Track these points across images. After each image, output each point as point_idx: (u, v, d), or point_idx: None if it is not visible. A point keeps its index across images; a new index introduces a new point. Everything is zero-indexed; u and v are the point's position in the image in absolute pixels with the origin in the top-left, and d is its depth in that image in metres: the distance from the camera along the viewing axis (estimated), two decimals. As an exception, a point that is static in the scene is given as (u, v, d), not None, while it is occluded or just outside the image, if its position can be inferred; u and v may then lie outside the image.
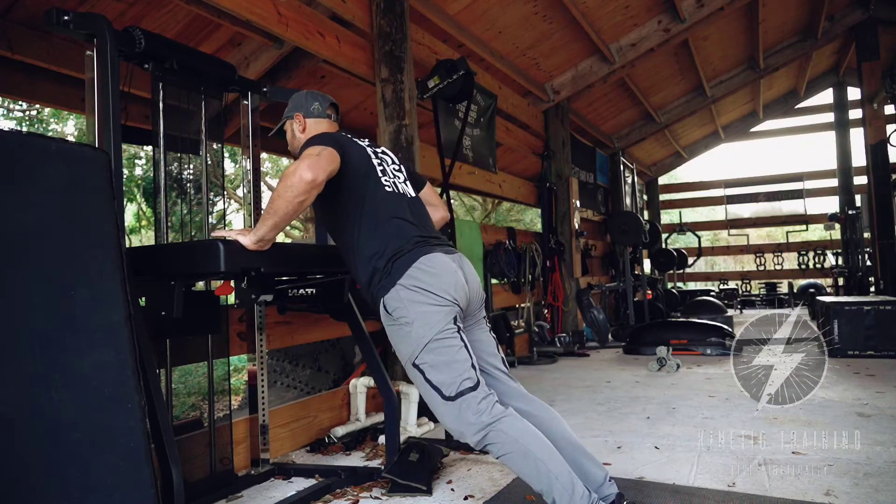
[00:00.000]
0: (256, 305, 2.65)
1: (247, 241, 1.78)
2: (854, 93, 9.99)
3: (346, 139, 1.98)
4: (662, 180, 12.97)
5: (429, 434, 3.12)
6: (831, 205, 11.62)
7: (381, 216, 1.89)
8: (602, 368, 5.11)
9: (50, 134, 8.38)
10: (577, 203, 7.17)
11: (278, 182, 1.78)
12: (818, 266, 11.40)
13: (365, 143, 2.07)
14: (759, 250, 12.24)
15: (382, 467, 2.50)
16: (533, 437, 1.73)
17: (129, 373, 1.51)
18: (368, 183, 1.92)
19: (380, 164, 2.01)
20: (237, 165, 10.03)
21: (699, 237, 11.54)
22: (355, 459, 2.79)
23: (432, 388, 1.76)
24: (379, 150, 2.10)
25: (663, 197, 12.74)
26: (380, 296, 1.84)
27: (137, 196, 9.25)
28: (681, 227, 11.50)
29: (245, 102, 2.67)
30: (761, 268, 12.04)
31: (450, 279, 1.82)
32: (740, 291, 11.78)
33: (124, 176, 3.42)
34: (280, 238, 1.89)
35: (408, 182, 2.09)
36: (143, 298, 1.92)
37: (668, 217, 12.97)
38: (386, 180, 1.97)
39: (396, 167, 2.09)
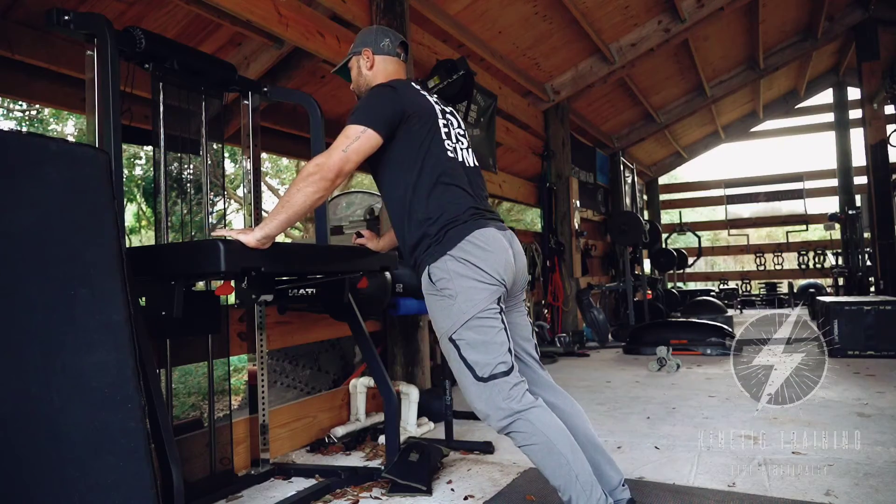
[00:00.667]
0: (256, 305, 2.65)
1: (251, 237, 1.72)
2: (854, 93, 9.99)
3: (412, 92, 1.88)
4: (662, 180, 12.96)
5: (429, 434, 3.12)
6: (831, 205, 11.62)
7: (439, 180, 1.79)
8: (602, 368, 5.11)
9: (50, 134, 8.38)
10: (577, 203, 7.17)
11: (299, 172, 1.73)
12: (818, 266, 11.40)
13: (433, 98, 1.96)
14: (759, 250, 12.24)
15: (382, 467, 2.50)
16: (560, 433, 1.69)
17: (129, 373, 1.51)
18: (431, 143, 1.82)
19: (445, 126, 1.89)
20: (237, 165, 10.04)
21: (699, 237, 11.54)
22: (355, 459, 2.79)
23: (466, 365, 1.71)
24: (448, 109, 1.98)
25: (663, 197, 12.74)
26: (426, 262, 1.78)
27: (137, 196, 9.25)
28: (681, 227, 11.50)
29: (245, 102, 2.66)
30: (761, 268, 12.04)
31: (501, 257, 1.76)
32: (740, 291, 11.78)
33: (124, 176, 3.42)
34: (280, 238, 1.88)
35: (470, 150, 1.98)
36: (143, 298, 1.92)
37: (668, 217, 12.97)
38: (449, 144, 1.87)
39: (462, 132, 1.98)
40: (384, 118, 1.76)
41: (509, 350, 1.73)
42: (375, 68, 2.00)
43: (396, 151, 1.82)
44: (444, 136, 1.87)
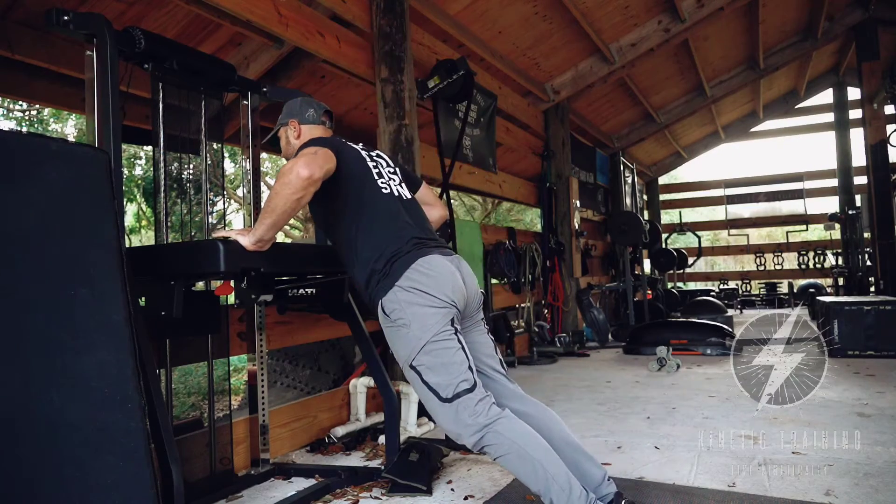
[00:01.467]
0: (256, 305, 2.65)
1: (246, 241, 1.78)
2: (854, 93, 9.99)
3: (340, 142, 2.00)
4: (662, 180, 12.96)
5: (429, 434, 3.12)
6: (831, 205, 11.62)
7: (377, 218, 1.90)
8: (602, 368, 5.11)
9: (50, 134, 8.38)
10: (577, 203, 7.17)
11: (275, 180, 1.78)
12: (818, 266, 11.40)
13: (359, 146, 2.08)
14: (759, 250, 12.24)
15: (382, 467, 2.50)
16: (529, 438, 1.73)
17: (129, 373, 1.51)
18: (365, 185, 1.94)
19: (375, 167, 2.02)
20: (237, 165, 10.04)
21: (699, 237, 11.54)
22: (355, 459, 2.79)
23: (429, 389, 1.77)
24: (374, 153, 2.11)
25: (663, 197, 12.74)
26: (378, 297, 1.85)
27: (137, 196, 9.26)
28: (681, 227, 11.49)
29: (245, 102, 2.67)
30: (761, 268, 12.04)
31: (447, 281, 1.83)
32: (740, 291, 11.78)
33: (124, 176, 3.42)
34: (280, 238, 1.88)
35: (403, 184, 2.10)
36: (143, 298, 1.92)
37: (668, 217, 12.97)
38: (382, 182, 1.99)
39: (391, 169, 2.11)
40: (327, 146, 1.85)
41: (470, 368, 1.78)
42: (302, 137, 2.12)
43: (336, 200, 1.91)
44: (375, 176, 1.99)
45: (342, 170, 1.88)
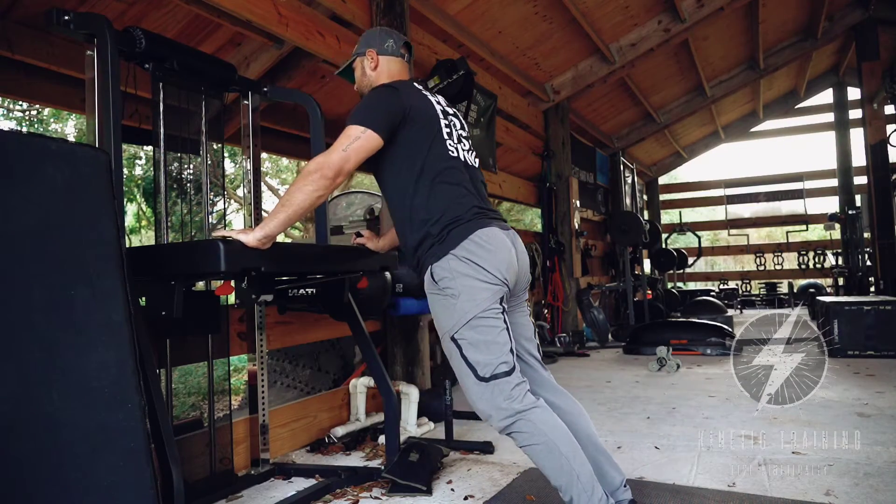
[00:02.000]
0: (256, 305, 2.65)
1: (250, 237, 1.71)
2: (854, 93, 10.00)
3: (414, 92, 1.88)
4: (662, 180, 12.97)
5: (429, 434, 3.12)
6: (831, 205, 11.62)
7: (441, 180, 1.80)
8: (602, 368, 5.11)
9: (50, 134, 8.38)
10: (577, 203, 7.17)
11: (301, 172, 1.73)
12: (818, 266, 11.40)
13: (436, 99, 1.96)
14: (759, 250, 12.24)
15: (382, 467, 2.50)
16: (560, 433, 1.69)
17: (129, 373, 1.51)
18: (433, 142, 1.83)
19: (447, 126, 1.90)
20: (237, 165, 10.04)
21: (699, 237, 11.54)
22: (355, 459, 2.79)
23: (467, 365, 1.70)
24: (451, 111, 1.99)
25: (663, 197, 12.74)
26: (428, 262, 1.78)
27: (137, 196, 9.25)
28: (681, 227, 11.49)
29: (245, 102, 2.66)
30: (761, 268, 12.04)
31: (503, 257, 1.76)
32: (740, 291, 11.78)
33: (124, 176, 3.42)
34: (280, 238, 1.88)
35: (472, 151, 1.98)
36: (143, 298, 1.92)
37: (668, 217, 12.97)
38: (451, 144, 1.87)
39: (465, 133, 1.98)
40: (384, 119, 1.76)
41: (511, 350, 1.73)
42: (379, 69, 2.00)
43: (398, 152, 1.82)
44: (445, 137, 1.87)
45: (409, 121, 1.78)
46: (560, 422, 1.72)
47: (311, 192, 1.67)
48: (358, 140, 1.71)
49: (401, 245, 1.92)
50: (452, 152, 1.87)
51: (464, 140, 1.96)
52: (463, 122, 2.03)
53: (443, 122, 1.90)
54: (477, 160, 2.00)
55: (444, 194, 1.79)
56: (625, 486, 1.83)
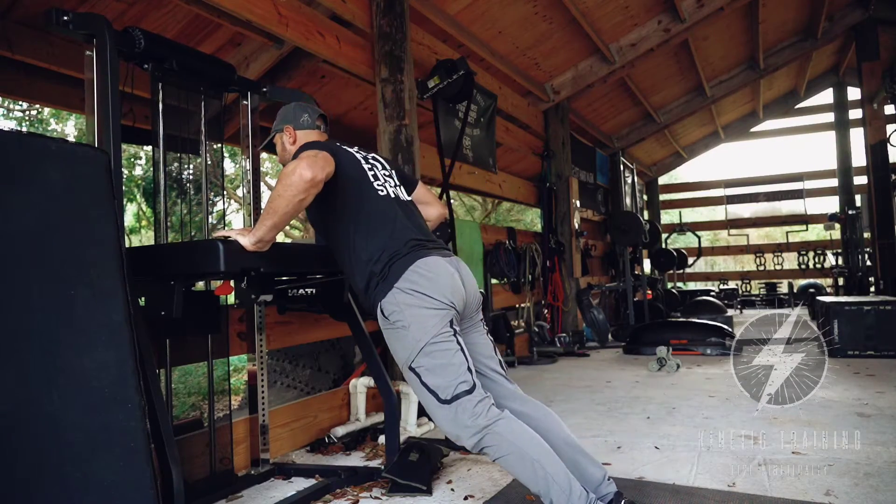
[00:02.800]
0: (256, 305, 2.65)
1: (246, 241, 1.78)
2: (854, 93, 10.00)
3: (336, 146, 2.00)
4: (662, 180, 12.97)
5: (429, 434, 3.12)
6: (831, 205, 11.62)
7: (375, 220, 1.90)
8: (602, 368, 5.11)
9: (50, 134, 8.38)
10: (577, 203, 7.17)
11: (276, 182, 1.78)
12: (818, 266, 11.40)
13: (354, 149, 2.08)
14: (759, 250, 12.24)
15: (382, 467, 2.50)
16: (529, 439, 1.73)
17: (129, 373, 1.51)
18: (362, 188, 1.94)
19: (371, 169, 2.02)
20: (237, 165, 10.04)
21: (699, 237, 11.54)
22: (355, 459, 2.79)
23: (428, 391, 1.77)
24: (369, 155, 2.11)
25: (663, 197, 12.74)
26: (377, 300, 1.85)
27: (137, 196, 9.25)
28: (681, 227, 11.49)
29: (245, 102, 2.67)
30: (761, 268, 12.04)
31: (446, 282, 1.83)
32: (740, 291, 11.78)
33: (124, 176, 3.42)
34: (280, 238, 1.88)
35: (400, 186, 2.09)
36: (143, 298, 1.92)
37: (668, 217, 12.97)
38: (378, 185, 1.99)
39: (387, 172, 2.10)
40: (324, 149, 1.85)
41: (469, 369, 1.78)
42: (298, 142, 2.12)
43: (334, 202, 1.91)
44: (371, 179, 1.98)
45: (339, 173, 1.87)
46: (527, 428, 1.76)
47: (292, 198, 1.72)
48: (319, 154, 1.78)
49: (354, 290, 2.01)
50: (381, 192, 1.97)
51: (389, 178, 2.06)
52: (383, 161, 2.14)
53: (365, 166, 2.01)
54: (408, 194, 2.10)
55: (380, 233, 1.88)
56: (608, 480, 1.84)
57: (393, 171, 2.14)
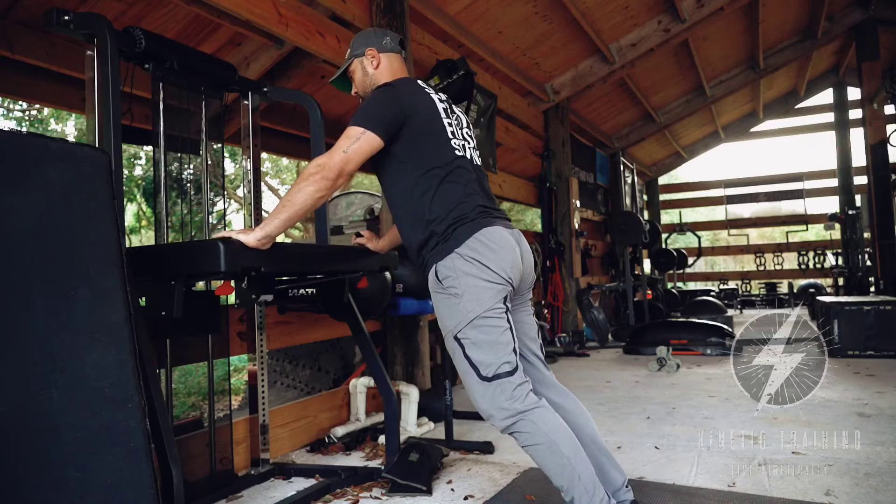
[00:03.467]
0: (256, 305, 2.65)
1: (251, 237, 1.70)
2: (854, 93, 10.00)
3: (417, 90, 1.87)
4: (662, 180, 12.97)
5: (429, 434, 3.12)
6: (831, 205, 11.63)
7: (445, 178, 1.78)
8: (602, 368, 5.11)
9: (50, 134, 8.38)
10: (577, 203, 7.17)
11: (303, 170, 1.72)
12: (818, 266, 11.40)
13: (438, 96, 1.93)
14: (759, 250, 12.24)
15: (382, 467, 2.50)
16: (563, 433, 1.68)
17: (129, 373, 1.51)
18: (437, 141, 1.82)
19: (450, 125, 1.87)
20: (237, 165, 10.04)
21: (699, 237, 11.54)
22: (355, 459, 2.79)
23: (470, 364, 1.70)
24: (455, 109, 1.97)
25: (663, 197, 12.74)
26: (433, 261, 1.77)
27: (137, 196, 9.26)
28: (681, 227, 11.50)
29: (245, 102, 2.66)
30: (761, 268, 12.04)
31: (508, 256, 1.75)
32: (740, 291, 11.78)
33: (124, 176, 3.42)
34: (280, 238, 1.87)
35: (476, 149, 1.96)
36: (143, 298, 1.92)
37: (668, 217, 12.97)
38: (456, 143, 1.85)
39: (468, 132, 1.95)
40: (385, 119, 1.75)
41: (514, 350, 1.72)
42: (381, 67, 1.99)
43: (400, 152, 1.80)
44: (449, 136, 1.85)
45: (412, 121, 1.77)
46: (562, 422, 1.71)
47: (313, 193, 1.67)
48: (358, 141, 1.70)
49: (405, 245, 1.90)
50: (459, 150, 1.85)
51: (469, 138, 1.94)
52: (467, 120, 2.02)
53: (445, 120, 1.87)
54: (479, 159, 1.99)
55: (449, 193, 1.78)
56: (627, 487, 1.82)
57: (472, 133, 1.99)
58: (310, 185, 1.67)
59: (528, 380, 1.74)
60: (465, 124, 1.97)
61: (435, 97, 1.92)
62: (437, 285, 1.77)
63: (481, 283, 1.71)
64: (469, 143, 1.93)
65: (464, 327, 1.71)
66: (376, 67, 1.98)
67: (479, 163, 1.94)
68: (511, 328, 1.74)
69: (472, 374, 1.70)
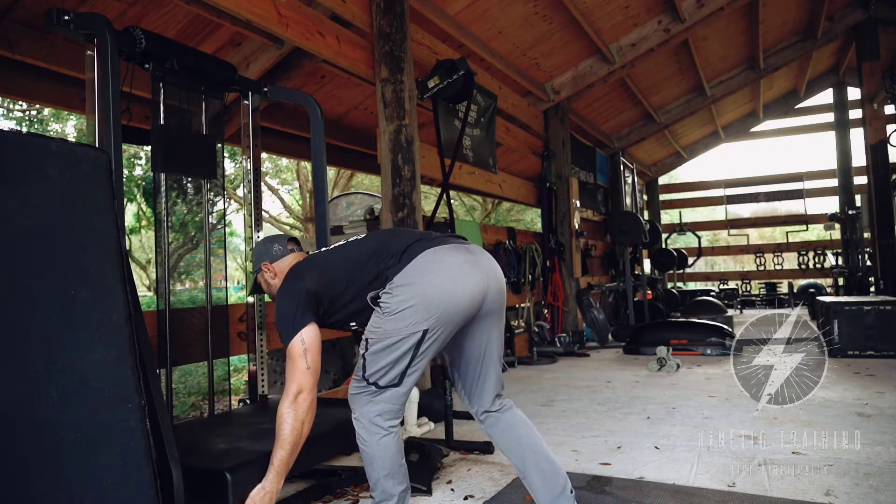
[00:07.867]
0: (257, 305, 2.65)
1: (264, 497, 1.72)
2: (854, 93, 10.00)
3: (313, 264, 2.00)
4: (662, 180, 12.98)
5: (429, 434, 3.12)
6: (831, 205, 11.63)
7: (357, 282, 1.91)
8: (602, 368, 5.11)
9: (50, 134, 8.38)
10: (577, 203, 7.17)
11: (280, 404, 1.76)
12: (818, 266, 11.41)
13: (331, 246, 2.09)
14: (759, 250, 12.25)
15: (382, 467, 2.49)
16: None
17: (129, 373, 1.51)
18: (345, 272, 1.94)
19: (342, 248, 2.03)
20: (237, 165, 10.04)
21: (699, 237, 11.55)
22: (355, 459, 2.79)
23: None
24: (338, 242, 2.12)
25: (663, 197, 12.75)
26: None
27: (137, 196, 9.26)
28: (681, 227, 11.50)
29: (245, 102, 2.67)
30: (761, 268, 12.05)
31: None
32: (740, 291, 11.78)
33: (124, 176, 3.42)
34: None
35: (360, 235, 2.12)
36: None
37: (668, 217, 12.98)
38: (348, 251, 1.99)
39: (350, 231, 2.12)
40: (305, 311, 1.84)
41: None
42: (279, 275, 2.12)
43: (328, 307, 1.93)
44: (341, 251, 1.99)
45: (322, 288, 1.89)
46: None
47: (297, 419, 1.75)
48: (304, 346, 1.79)
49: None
50: (357, 249, 1.97)
51: (350, 237, 2.08)
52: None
53: (336, 248, 2.03)
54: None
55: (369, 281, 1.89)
56: (570, 493, 1.82)
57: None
58: (289, 415, 1.75)
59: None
60: (347, 237, 2.12)
61: (325, 249, 2.10)
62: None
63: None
64: (353, 237, 2.08)
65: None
66: (274, 277, 2.13)
67: (364, 235, 2.08)
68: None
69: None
